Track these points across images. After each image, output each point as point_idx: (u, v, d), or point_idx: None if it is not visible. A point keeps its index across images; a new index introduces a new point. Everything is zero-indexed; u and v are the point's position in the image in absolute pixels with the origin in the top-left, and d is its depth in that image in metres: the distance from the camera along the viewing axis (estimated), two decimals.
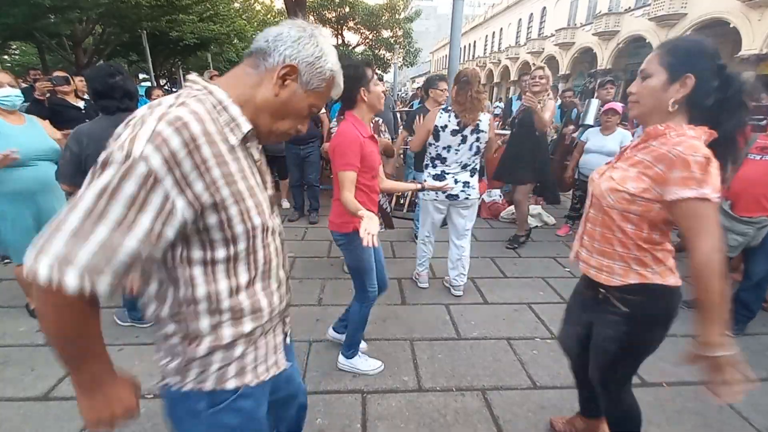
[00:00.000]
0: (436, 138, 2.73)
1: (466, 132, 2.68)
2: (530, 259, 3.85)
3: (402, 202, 5.18)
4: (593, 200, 1.31)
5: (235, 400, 0.88)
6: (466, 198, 2.84)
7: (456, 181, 2.79)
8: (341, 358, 2.21)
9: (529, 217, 4.63)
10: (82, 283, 0.62)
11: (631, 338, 1.30)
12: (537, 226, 4.73)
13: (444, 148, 2.74)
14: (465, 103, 2.60)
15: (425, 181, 2.77)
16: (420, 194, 2.99)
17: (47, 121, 2.70)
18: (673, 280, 1.24)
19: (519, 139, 3.88)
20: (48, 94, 3.73)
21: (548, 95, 3.54)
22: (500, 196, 5.32)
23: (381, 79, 2.24)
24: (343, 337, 2.26)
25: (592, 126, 4.28)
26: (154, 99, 4.32)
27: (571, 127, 5.02)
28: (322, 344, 2.43)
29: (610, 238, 1.25)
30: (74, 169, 2.02)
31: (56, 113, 3.54)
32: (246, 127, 0.78)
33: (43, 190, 2.49)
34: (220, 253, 0.77)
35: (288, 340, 1.07)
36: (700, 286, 1.05)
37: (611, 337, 1.33)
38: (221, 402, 0.87)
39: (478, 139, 2.72)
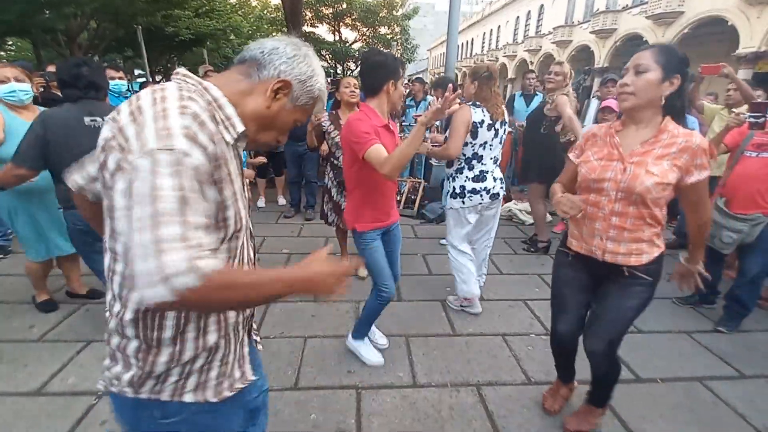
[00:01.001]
0: (474, 136, 2.51)
1: (497, 125, 2.58)
2: (526, 256, 3.85)
3: (398, 198, 5.17)
4: (619, 196, 1.41)
5: (194, 413, 0.84)
6: (504, 194, 2.76)
7: (494, 179, 2.64)
8: (349, 337, 2.29)
9: (525, 213, 4.64)
10: (215, 260, 0.64)
11: (648, 300, 1.52)
12: (533, 224, 4.72)
13: (481, 145, 2.56)
14: (490, 98, 2.53)
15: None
16: (453, 203, 2.64)
17: None
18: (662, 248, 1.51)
19: (528, 139, 3.88)
20: (42, 90, 3.71)
21: (564, 91, 3.40)
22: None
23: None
24: (356, 347, 2.28)
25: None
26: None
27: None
28: (317, 340, 2.42)
29: (640, 224, 1.42)
30: (38, 152, 1.97)
31: (42, 105, 3.52)
32: (240, 126, 0.78)
33: (49, 189, 2.46)
34: None
35: (259, 347, 1.06)
36: (703, 231, 1.50)
37: (636, 305, 1.51)
38: (177, 414, 0.83)
39: (504, 131, 2.67)
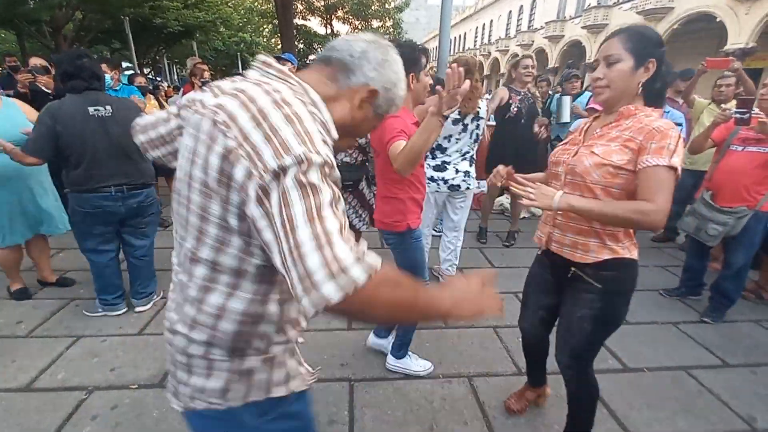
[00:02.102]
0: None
1: (467, 120, 2.63)
2: (517, 249, 3.89)
3: None
4: (568, 179, 1.32)
5: (288, 405, 0.83)
6: (467, 188, 2.81)
7: (457, 171, 2.73)
8: (391, 359, 2.12)
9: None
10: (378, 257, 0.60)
11: (605, 313, 1.34)
12: (525, 217, 4.77)
13: (445, 138, 2.67)
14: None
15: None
16: None
17: (27, 106, 2.65)
18: (636, 253, 1.33)
19: (506, 132, 3.88)
20: (28, 84, 3.65)
21: (535, 86, 3.56)
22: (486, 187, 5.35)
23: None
24: (385, 342, 2.21)
25: (568, 123, 4.27)
26: (137, 85, 4.17)
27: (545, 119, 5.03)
28: (309, 333, 2.42)
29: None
30: (47, 143, 2.09)
31: (32, 101, 3.49)
32: (335, 133, 0.71)
33: (22, 176, 2.46)
34: None
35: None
36: (629, 218, 1.15)
37: (587, 315, 1.36)
38: (272, 410, 0.80)
39: (477, 127, 2.69)
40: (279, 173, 0.56)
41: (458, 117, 2.63)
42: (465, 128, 2.65)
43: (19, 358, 2.13)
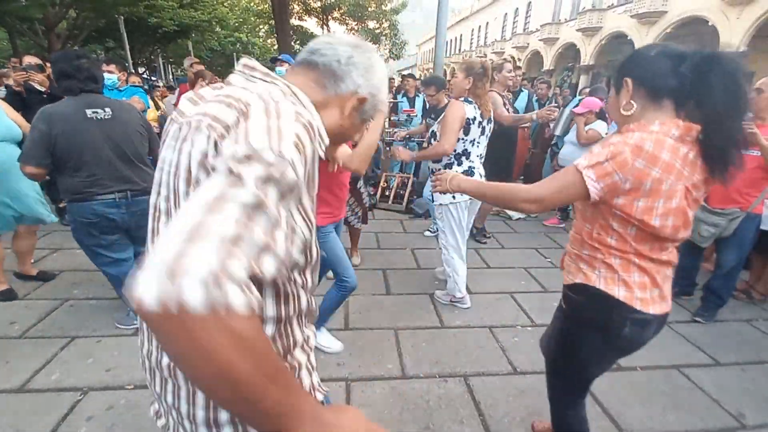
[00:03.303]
0: (466, 132, 2.54)
1: (485, 122, 2.62)
2: (513, 249, 3.92)
3: (387, 194, 5.18)
4: None
5: None
6: None
7: (480, 176, 2.67)
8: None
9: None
10: (249, 293, 0.43)
11: (565, 337, 1.28)
12: (520, 218, 4.80)
13: (471, 142, 2.59)
14: (482, 95, 2.54)
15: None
16: (442, 198, 2.61)
17: (5, 104, 2.66)
18: (619, 292, 1.11)
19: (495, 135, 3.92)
20: (22, 83, 3.62)
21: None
22: None
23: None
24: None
25: (559, 136, 4.43)
26: (131, 84, 4.10)
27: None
28: None
29: (576, 236, 1.23)
30: (43, 150, 1.97)
31: (26, 100, 3.48)
32: (327, 140, 0.67)
33: (2, 170, 2.44)
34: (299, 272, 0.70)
35: None
36: (507, 197, 1.21)
37: (551, 331, 1.36)
38: None
39: (490, 129, 2.69)
40: (227, 156, 0.50)
41: (481, 119, 2.57)
42: (483, 131, 2.64)
43: (12, 359, 2.11)
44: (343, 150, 1.76)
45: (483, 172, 2.71)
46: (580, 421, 1.40)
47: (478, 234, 4.07)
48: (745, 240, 2.56)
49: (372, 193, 5.07)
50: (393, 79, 8.23)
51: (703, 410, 1.94)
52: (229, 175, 0.47)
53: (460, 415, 1.87)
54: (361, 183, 3.25)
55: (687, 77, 1.01)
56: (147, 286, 0.39)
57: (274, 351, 0.55)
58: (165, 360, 0.64)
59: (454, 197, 2.58)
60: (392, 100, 5.87)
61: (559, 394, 1.42)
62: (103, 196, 2.09)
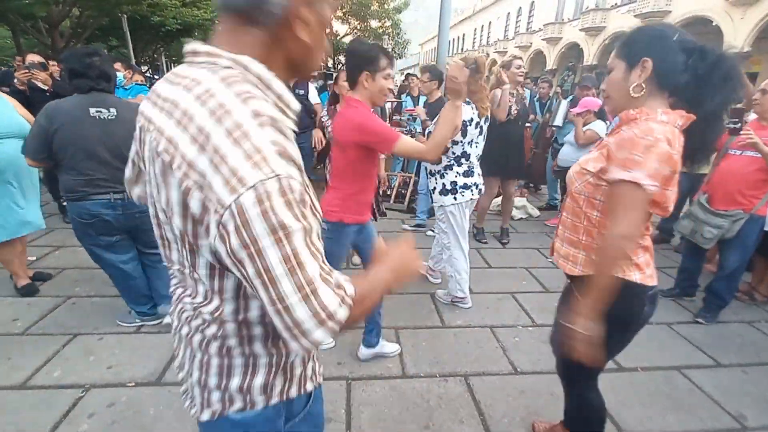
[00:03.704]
0: (464, 134, 2.52)
1: (482, 122, 2.59)
2: (514, 249, 3.91)
3: (389, 193, 5.18)
4: (567, 188, 1.30)
5: (312, 402, 0.81)
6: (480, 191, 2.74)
7: (479, 175, 2.68)
8: (365, 350, 2.19)
9: (514, 208, 4.71)
10: (349, 285, 0.62)
11: None
12: (522, 218, 4.79)
13: (469, 143, 2.57)
14: (478, 92, 2.49)
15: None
16: (444, 200, 2.63)
17: (14, 101, 2.67)
18: (636, 276, 1.16)
19: (494, 134, 3.91)
20: (26, 81, 3.64)
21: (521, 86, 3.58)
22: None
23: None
24: (378, 348, 2.22)
25: (560, 127, 4.41)
26: (136, 83, 4.10)
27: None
28: None
29: (577, 226, 1.23)
30: (40, 144, 1.98)
31: (29, 98, 3.50)
32: (295, 104, 0.64)
33: (7, 169, 2.46)
34: None
35: None
36: (600, 260, 1.11)
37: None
38: (302, 408, 0.78)
39: (487, 128, 2.67)
40: (236, 210, 0.50)
41: (478, 120, 2.57)
42: (481, 131, 2.63)
43: (14, 356, 2.12)
44: (411, 142, 1.70)
45: (479, 171, 2.71)
46: (599, 395, 1.44)
47: (479, 234, 4.07)
48: (749, 242, 2.54)
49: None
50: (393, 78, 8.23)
51: (703, 411, 1.93)
52: (274, 232, 0.51)
53: (460, 414, 1.87)
54: None
55: (698, 76, 1.04)
56: (317, 337, 0.55)
57: (365, 286, 0.65)
58: (184, 330, 0.71)
59: (455, 198, 2.58)
60: (396, 99, 5.87)
61: (583, 381, 1.42)
62: (97, 197, 2.07)
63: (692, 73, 1.04)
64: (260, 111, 0.54)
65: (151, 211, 0.69)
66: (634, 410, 1.92)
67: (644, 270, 1.17)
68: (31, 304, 2.61)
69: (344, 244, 1.96)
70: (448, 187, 2.59)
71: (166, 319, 2.34)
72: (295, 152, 0.57)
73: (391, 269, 0.72)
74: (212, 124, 0.52)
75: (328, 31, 0.68)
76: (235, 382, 0.68)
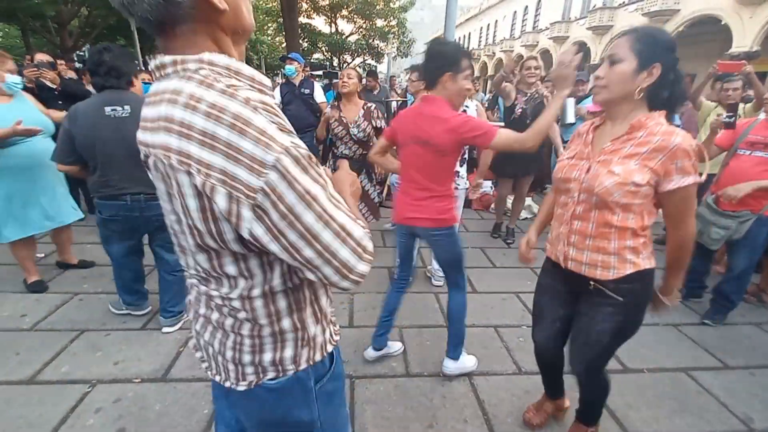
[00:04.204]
0: None
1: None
2: (518, 250, 3.88)
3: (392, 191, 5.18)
4: (582, 198, 1.29)
5: (335, 363, 0.85)
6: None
7: (463, 177, 2.79)
8: (450, 363, 2.07)
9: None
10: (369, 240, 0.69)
11: (626, 325, 1.35)
12: (527, 218, 4.77)
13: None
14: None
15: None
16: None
17: (33, 98, 2.77)
18: (654, 261, 1.31)
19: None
20: (35, 80, 3.68)
21: (543, 86, 3.56)
22: (491, 187, 5.35)
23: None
24: (387, 349, 2.19)
25: (573, 124, 4.33)
26: (142, 81, 4.17)
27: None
28: None
29: (606, 233, 1.25)
30: (67, 148, 2.01)
31: (38, 97, 3.53)
32: (266, 81, 0.68)
33: (35, 166, 2.52)
34: None
35: None
36: (682, 255, 1.28)
37: (607, 328, 1.34)
38: (328, 371, 0.82)
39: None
40: (268, 190, 0.56)
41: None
42: None
43: (23, 351, 2.15)
44: (510, 133, 1.67)
45: (464, 173, 2.85)
46: (606, 374, 1.55)
47: (507, 236, 4.09)
48: (757, 243, 2.51)
49: (379, 191, 5.06)
50: (396, 77, 8.21)
51: (710, 414, 1.92)
52: (302, 198, 0.58)
53: (463, 414, 1.86)
54: (363, 177, 3.26)
55: (672, 92, 1.19)
56: (361, 269, 0.66)
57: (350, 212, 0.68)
58: (214, 316, 0.75)
59: (457, 186, 2.65)
60: (401, 98, 5.86)
61: (603, 366, 1.48)
62: (117, 197, 2.09)
63: (670, 90, 1.18)
64: (249, 98, 0.58)
65: (166, 219, 0.74)
66: (640, 412, 1.90)
67: (652, 257, 1.33)
68: (40, 300, 2.64)
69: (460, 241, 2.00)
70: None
71: (165, 329, 2.38)
72: (288, 123, 0.62)
73: (352, 189, 0.86)
74: (213, 124, 0.55)
75: None
76: (267, 356, 0.74)
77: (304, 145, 0.60)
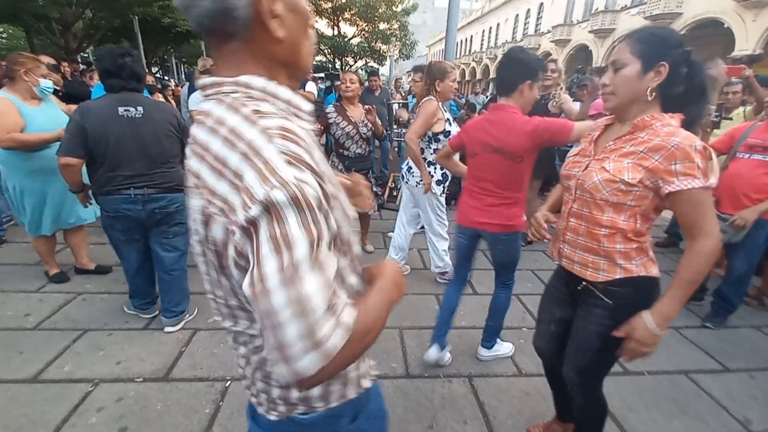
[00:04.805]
0: (446, 135, 2.71)
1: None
2: None
3: (395, 194, 5.20)
4: (577, 195, 1.28)
5: (372, 401, 0.81)
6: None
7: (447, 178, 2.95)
8: (484, 351, 2.25)
9: None
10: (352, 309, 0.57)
11: (612, 330, 1.27)
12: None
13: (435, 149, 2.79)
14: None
15: None
16: (437, 189, 2.86)
17: (55, 97, 2.87)
18: (655, 270, 1.24)
19: None
20: None
21: (560, 88, 3.55)
22: None
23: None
24: (496, 353, 2.26)
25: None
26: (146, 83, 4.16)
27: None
28: None
29: (596, 233, 1.23)
30: (77, 141, 2.04)
31: None
32: (306, 105, 0.64)
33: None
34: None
35: None
36: (694, 274, 1.13)
37: (596, 332, 1.30)
38: (362, 408, 0.78)
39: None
40: (249, 226, 0.50)
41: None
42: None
43: (26, 350, 2.17)
44: (586, 124, 1.67)
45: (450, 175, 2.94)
46: (603, 397, 1.47)
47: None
48: (756, 246, 2.52)
49: (380, 193, 5.09)
50: (401, 78, 8.25)
51: (710, 416, 1.92)
52: (274, 240, 0.49)
53: (463, 415, 1.87)
54: (369, 175, 3.37)
55: (688, 87, 1.13)
56: (303, 366, 0.51)
57: (370, 310, 0.61)
58: (241, 350, 0.72)
59: (442, 188, 2.87)
60: (402, 100, 5.89)
61: (598, 377, 1.42)
62: (122, 192, 2.14)
63: (686, 84, 1.12)
64: (269, 125, 0.54)
65: (194, 242, 0.69)
66: (640, 414, 1.91)
67: (655, 263, 1.26)
68: (43, 300, 2.66)
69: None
70: (440, 178, 2.86)
71: (167, 329, 2.41)
72: (312, 155, 0.55)
73: (396, 282, 0.70)
74: (227, 150, 0.54)
75: (309, 22, 0.66)
76: (294, 393, 0.70)
77: (314, 184, 0.53)
